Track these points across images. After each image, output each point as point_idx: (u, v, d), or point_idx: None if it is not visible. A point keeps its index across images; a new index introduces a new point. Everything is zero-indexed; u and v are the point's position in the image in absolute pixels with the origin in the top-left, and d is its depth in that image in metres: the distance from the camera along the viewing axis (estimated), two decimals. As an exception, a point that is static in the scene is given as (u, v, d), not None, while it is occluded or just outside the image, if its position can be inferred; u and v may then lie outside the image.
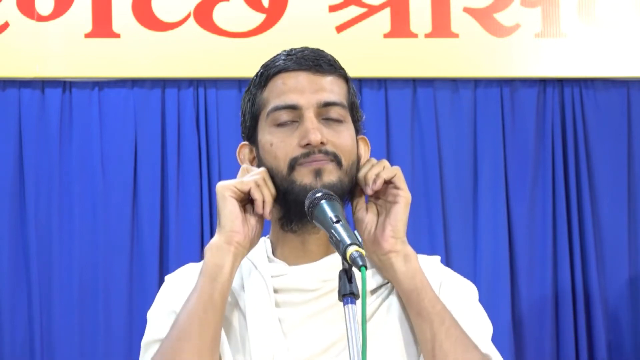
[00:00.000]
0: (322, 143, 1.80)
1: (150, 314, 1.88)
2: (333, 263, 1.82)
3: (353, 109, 1.90)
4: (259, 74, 1.89)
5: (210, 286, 1.76)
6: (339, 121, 1.85)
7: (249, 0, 3.98)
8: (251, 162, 1.90)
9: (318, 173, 1.80)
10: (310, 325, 1.80)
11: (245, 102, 1.91)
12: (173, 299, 1.84)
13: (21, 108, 3.90)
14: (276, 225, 1.88)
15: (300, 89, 1.83)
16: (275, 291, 1.83)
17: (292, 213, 1.83)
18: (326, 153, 1.81)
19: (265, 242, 1.91)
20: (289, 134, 1.83)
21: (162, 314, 1.85)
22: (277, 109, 1.84)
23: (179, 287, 1.86)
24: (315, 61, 1.85)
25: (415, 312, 1.78)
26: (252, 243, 1.83)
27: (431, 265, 1.90)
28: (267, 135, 1.85)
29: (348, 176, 1.83)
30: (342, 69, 1.90)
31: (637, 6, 4.12)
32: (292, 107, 1.83)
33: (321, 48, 1.91)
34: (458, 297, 1.86)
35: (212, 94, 3.97)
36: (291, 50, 1.89)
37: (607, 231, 4.08)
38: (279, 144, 1.82)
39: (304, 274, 1.84)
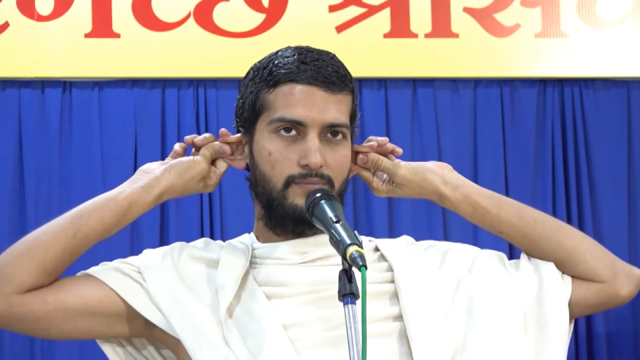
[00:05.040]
0: (320, 166, 1.83)
1: (113, 262, 1.93)
2: (312, 241, 1.87)
3: (354, 119, 1.92)
4: (267, 67, 1.89)
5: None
6: (339, 139, 1.87)
7: (249, 0, 3.98)
8: (235, 149, 1.93)
9: None
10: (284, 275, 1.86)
11: (248, 92, 1.92)
12: (132, 264, 1.90)
13: (21, 108, 3.90)
14: (260, 221, 1.92)
15: (309, 105, 1.84)
16: (254, 263, 1.89)
17: (274, 220, 1.88)
18: (322, 176, 1.84)
19: (250, 236, 1.96)
20: (289, 148, 1.85)
21: (117, 267, 1.89)
22: (282, 120, 1.85)
23: (150, 261, 1.90)
24: (329, 77, 1.86)
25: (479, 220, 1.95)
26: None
27: (423, 248, 1.97)
28: (266, 142, 1.86)
29: (337, 195, 1.86)
30: (352, 81, 1.90)
31: (637, 6, 4.12)
32: (297, 123, 1.84)
33: (321, 48, 1.92)
34: (492, 271, 1.94)
35: (212, 94, 3.97)
36: (305, 56, 1.88)
37: (607, 231, 4.08)
38: (278, 155, 1.85)
39: (281, 246, 1.89)
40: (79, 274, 1.90)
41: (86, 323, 1.85)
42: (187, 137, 1.93)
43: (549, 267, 1.93)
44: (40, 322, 1.83)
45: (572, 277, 1.94)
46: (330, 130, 1.86)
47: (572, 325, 1.95)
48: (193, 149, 1.94)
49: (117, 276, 1.87)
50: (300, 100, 1.84)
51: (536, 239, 1.95)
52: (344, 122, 1.87)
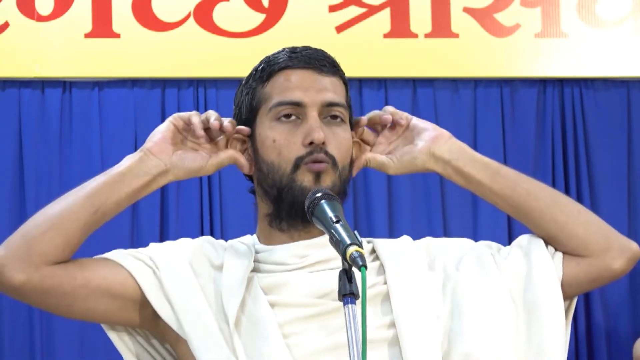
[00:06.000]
0: (323, 143, 1.84)
1: (132, 249, 1.95)
2: (312, 243, 1.86)
3: (350, 111, 1.93)
4: (259, 68, 1.92)
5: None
6: (338, 122, 1.88)
7: (249, 0, 3.98)
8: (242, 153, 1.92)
9: (317, 176, 1.84)
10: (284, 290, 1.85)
11: (243, 95, 1.93)
12: (147, 252, 1.92)
13: (21, 108, 3.90)
14: (264, 221, 1.91)
15: (305, 87, 1.86)
16: (257, 268, 1.88)
17: (283, 211, 1.87)
18: (326, 153, 1.84)
19: (252, 238, 1.95)
20: (292, 132, 1.86)
21: (130, 252, 1.92)
22: (281, 104, 1.86)
23: (163, 251, 1.92)
24: (321, 61, 1.89)
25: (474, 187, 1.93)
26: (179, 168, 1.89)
27: (416, 247, 1.95)
28: (268, 131, 1.87)
29: (341, 179, 1.87)
30: (343, 71, 1.92)
31: (637, 6, 4.13)
32: (296, 104, 1.86)
33: (321, 48, 1.94)
34: (483, 266, 1.91)
35: (212, 94, 3.97)
36: (294, 48, 1.91)
37: (607, 231, 4.08)
38: (282, 141, 1.85)
39: (281, 250, 1.88)
40: (95, 257, 1.91)
41: (105, 304, 1.87)
42: (214, 123, 1.87)
43: (539, 252, 1.91)
44: (65, 296, 1.84)
45: (564, 252, 1.92)
46: (329, 112, 1.87)
47: (574, 303, 1.94)
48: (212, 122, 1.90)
49: (133, 262, 1.90)
50: (296, 84, 1.87)
51: (528, 213, 1.93)
52: (341, 102, 1.88)
